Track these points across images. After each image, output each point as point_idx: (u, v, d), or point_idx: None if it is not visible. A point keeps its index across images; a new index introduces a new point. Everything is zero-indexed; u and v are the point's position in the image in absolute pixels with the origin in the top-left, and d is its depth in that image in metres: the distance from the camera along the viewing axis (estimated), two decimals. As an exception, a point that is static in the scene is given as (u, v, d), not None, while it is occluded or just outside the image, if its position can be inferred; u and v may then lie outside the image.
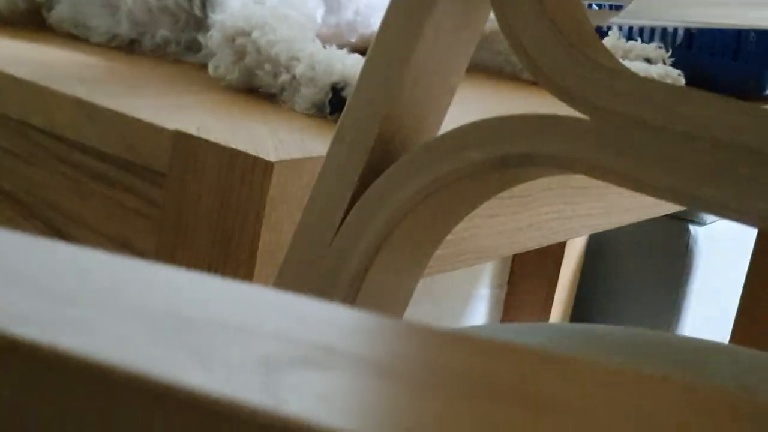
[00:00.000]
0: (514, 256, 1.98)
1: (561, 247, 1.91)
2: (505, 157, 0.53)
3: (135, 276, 0.29)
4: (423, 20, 0.56)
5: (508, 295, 2.01)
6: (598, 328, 0.71)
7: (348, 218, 0.57)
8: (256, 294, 0.29)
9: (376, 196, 0.56)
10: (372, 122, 0.57)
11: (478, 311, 1.99)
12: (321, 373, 0.24)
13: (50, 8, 1.05)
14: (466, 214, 0.59)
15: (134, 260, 0.30)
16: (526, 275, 1.97)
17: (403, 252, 0.58)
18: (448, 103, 0.60)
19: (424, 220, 0.57)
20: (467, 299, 1.97)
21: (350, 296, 0.57)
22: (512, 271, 2.00)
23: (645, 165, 0.50)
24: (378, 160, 0.57)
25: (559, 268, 1.92)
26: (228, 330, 0.26)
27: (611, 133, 0.51)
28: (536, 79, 0.54)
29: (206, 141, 0.73)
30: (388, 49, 0.57)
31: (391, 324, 0.28)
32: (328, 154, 0.58)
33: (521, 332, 0.74)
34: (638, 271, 2.09)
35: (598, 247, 2.09)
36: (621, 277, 2.10)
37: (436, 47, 0.57)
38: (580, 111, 0.52)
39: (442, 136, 0.54)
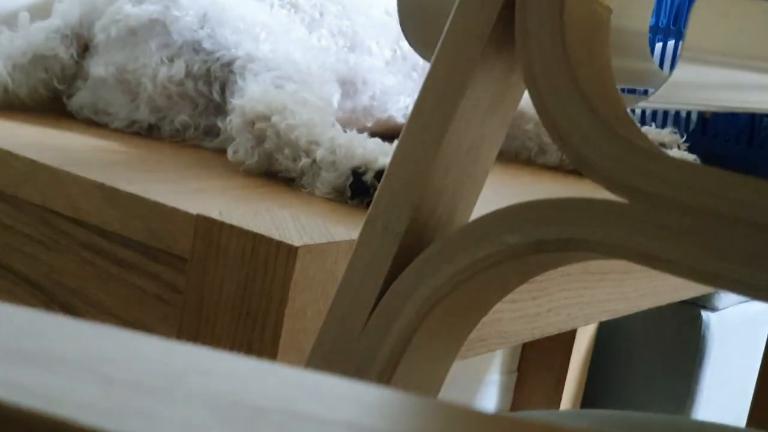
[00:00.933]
0: (525, 342, 1.96)
1: (571, 333, 1.89)
2: (541, 242, 0.52)
3: (195, 362, 0.28)
4: (456, 103, 0.56)
5: (518, 381, 1.99)
6: (635, 415, 0.70)
7: (380, 304, 0.56)
8: (321, 382, 0.28)
9: (410, 282, 0.55)
10: (405, 207, 0.56)
11: (488, 397, 1.97)
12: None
13: (70, 95, 1.05)
14: (500, 300, 0.59)
15: (191, 346, 0.29)
16: (536, 361, 1.96)
17: (436, 339, 0.57)
18: (481, 188, 0.60)
19: (458, 306, 0.56)
20: (478, 385, 1.95)
21: (382, 384, 0.56)
22: (522, 357, 1.99)
23: (685, 249, 0.50)
24: (411, 246, 0.56)
25: (570, 354, 1.91)
26: (303, 419, 0.25)
27: (650, 217, 0.50)
28: (571, 161, 0.53)
29: (229, 225, 0.73)
30: (421, 131, 0.56)
31: (473, 416, 0.27)
32: (359, 239, 0.57)
33: (561, 418, 0.73)
34: (650, 357, 2.07)
35: (608, 333, 2.07)
36: (632, 363, 2.08)
37: (468, 130, 0.57)
38: (618, 194, 0.52)
39: (477, 220, 0.54)
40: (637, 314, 1.89)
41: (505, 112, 0.59)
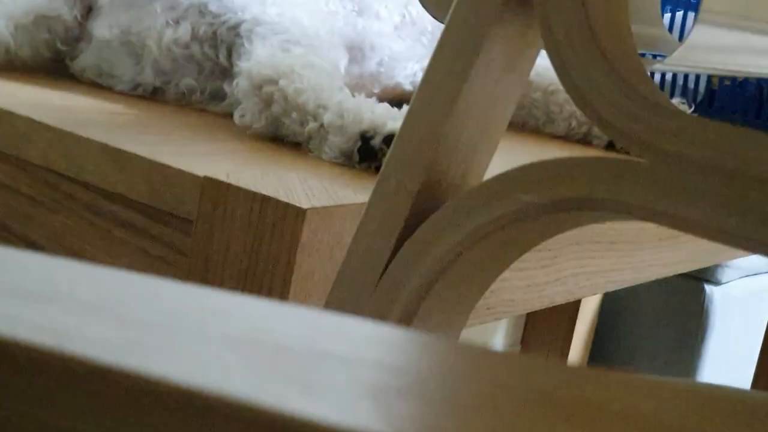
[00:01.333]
0: (528, 314, 1.96)
1: (575, 305, 1.89)
2: (557, 201, 0.51)
3: (212, 304, 0.28)
4: (470, 63, 0.55)
5: (523, 352, 1.99)
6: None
7: (393, 263, 0.55)
8: (342, 322, 0.27)
9: (423, 241, 0.54)
10: (418, 166, 0.55)
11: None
12: (431, 406, 0.22)
13: (74, 57, 1.04)
14: (514, 260, 0.58)
15: (209, 289, 0.28)
16: (540, 334, 1.95)
17: (449, 298, 0.56)
18: (495, 148, 0.59)
19: (471, 267, 0.55)
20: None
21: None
22: (526, 329, 1.98)
23: (703, 208, 0.49)
24: (424, 205, 0.55)
25: (574, 327, 1.90)
26: (326, 358, 0.24)
27: (668, 176, 0.49)
28: (589, 117, 0.52)
29: (236, 187, 0.72)
30: (434, 91, 0.55)
31: (491, 355, 0.26)
32: (372, 198, 0.56)
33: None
34: (653, 330, 2.07)
35: (612, 305, 2.07)
36: (636, 336, 2.08)
37: (483, 90, 0.56)
38: (636, 153, 0.51)
39: (493, 178, 0.53)
40: (640, 287, 1.89)
41: (521, 72, 0.58)
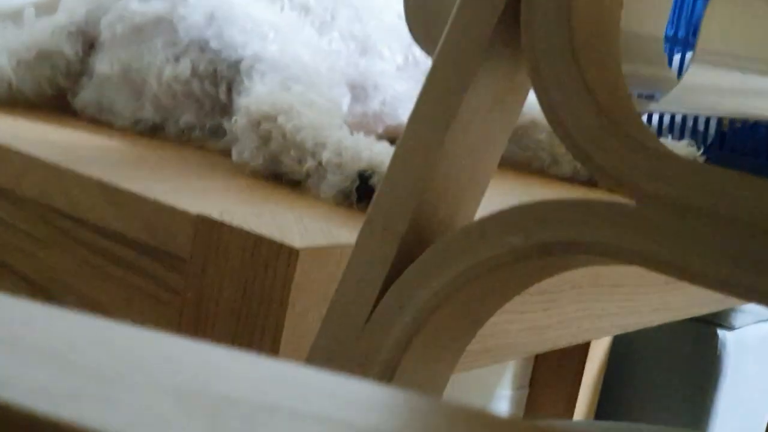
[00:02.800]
0: (537, 357, 1.94)
1: (584, 348, 1.87)
2: (547, 244, 0.50)
3: (164, 351, 0.27)
4: (458, 100, 0.54)
5: (530, 396, 1.97)
6: (650, 429, 0.68)
7: (380, 304, 0.54)
8: (297, 373, 0.26)
9: (411, 282, 0.53)
10: (406, 205, 0.54)
11: (499, 413, 1.95)
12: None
13: (75, 93, 1.03)
14: (504, 303, 0.57)
15: (162, 335, 0.27)
16: (549, 377, 1.93)
17: (437, 341, 0.55)
18: (484, 189, 0.58)
19: (461, 308, 0.54)
20: (489, 400, 1.93)
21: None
22: (534, 373, 1.96)
23: (693, 253, 0.48)
24: (412, 246, 0.54)
25: (583, 370, 1.88)
26: (270, 411, 0.23)
27: (658, 219, 0.48)
28: (576, 158, 0.51)
29: (230, 226, 0.71)
30: (422, 129, 0.55)
31: (443, 407, 0.25)
32: (359, 239, 0.56)
33: (570, 427, 0.70)
34: (665, 375, 2.04)
35: (622, 349, 2.05)
36: (647, 381, 2.06)
37: (471, 129, 0.55)
38: (625, 195, 0.50)
39: (482, 220, 0.52)
40: (652, 331, 1.87)
41: (510, 112, 0.58)
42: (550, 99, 0.51)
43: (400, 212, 0.54)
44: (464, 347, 0.58)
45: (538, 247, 0.50)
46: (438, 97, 0.54)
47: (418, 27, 0.64)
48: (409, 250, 0.54)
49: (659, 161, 0.49)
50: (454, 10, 0.53)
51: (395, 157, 0.55)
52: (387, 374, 0.54)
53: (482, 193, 0.58)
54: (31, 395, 0.22)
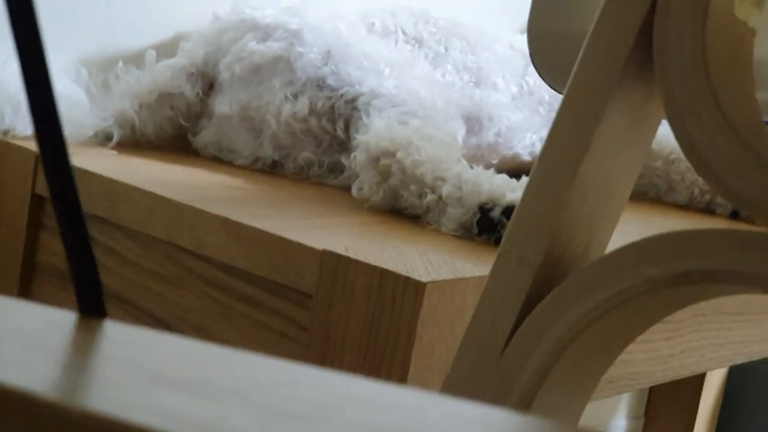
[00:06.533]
0: (652, 387, 1.92)
1: (700, 377, 1.84)
2: (682, 274, 0.50)
3: (352, 392, 0.27)
4: (592, 131, 0.54)
5: (645, 426, 1.94)
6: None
7: (515, 337, 0.54)
8: (487, 415, 0.26)
9: (546, 314, 0.53)
10: (539, 239, 0.54)
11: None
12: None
13: (196, 133, 1.05)
14: (639, 335, 0.56)
15: (346, 376, 0.28)
16: (664, 406, 1.90)
17: (573, 373, 0.55)
18: (617, 220, 0.58)
19: (597, 340, 0.54)
20: (604, 430, 1.91)
21: (516, 420, 0.54)
22: (649, 402, 1.93)
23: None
24: (546, 278, 0.54)
25: (699, 399, 1.85)
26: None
27: (801, 247, 0.48)
28: (713, 188, 0.51)
29: (355, 261, 0.71)
30: (556, 160, 0.55)
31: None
32: (493, 270, 0.56)
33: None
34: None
35: (740, 376, 2.01)
36: (764, 411, 2.02)
37: (604, 161, 0.55)
38: (763, 223, 0.49)
39: (616, 251, 0.52)
40: (769, 359, 1.83)
41: (642, 142, 0.57)
42: (685, 126, 0.50)
43: (534, 243, 0.54)
44: (599, 378, 0.58)
45: (676, 278, 0.50)
46: (571, 128, 0.54)
47: (543, 60, 0.64)
48: (544, 281, 0.54)
49: (801, 188, 0.48)
50: (586, 41, 0.53)
51: (528, 188, 0.55)
52: (523, 407, 0.54)
53: (615, 224, 0.58)
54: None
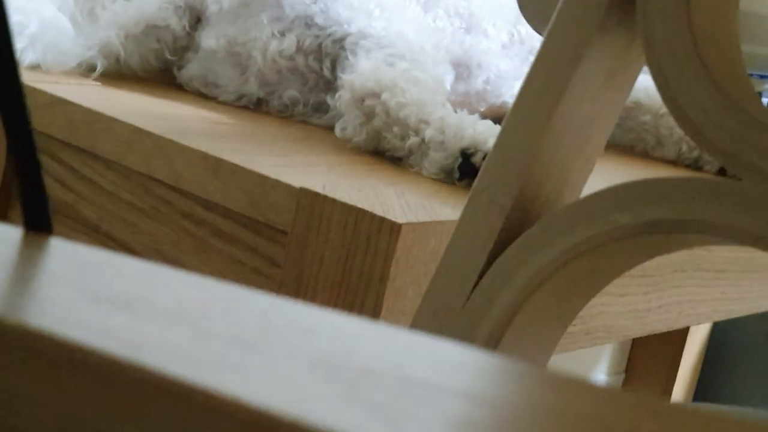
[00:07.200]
0: (633, 343, 1.92)
1: (682, 334, 1.84)
2: (654, 222, 0.49)
3: (299, 319, 0.26)
4: (568, 76, 0.53)
5: (626, 382, 1.95)
6: (754, 413, 0.66)
7: (482, 281, 0.54)
8: (432, 346, 0.26)
9: (515, 258, 0.53)
10: (511, 182, 0.54)
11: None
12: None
13: (181, 67, 1.04)
14: (607, 283, 0.56)
15: (295, 303, 0.27)
16: (645, 363, 1.91)
17: (540, 319, 0.54)
18: (592, 167, 0.57)
19: (564, 287, 0.54)
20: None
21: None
22: (630, 359, 1.94)
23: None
24: (516, 222, 0.54)
25: (680, 357, 1.85)
26: (412, 385, 0.22)
27: (772, 200, 0.47)
28: (690, 136, 0.50)
29: (332, 199, 0.71)
30: (532, 104, 0.54)
31: (589, 389, 0.24)
32: (464, 213, 0.55)
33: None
34: (764, 364, 2.01)
35: (722, 336, 2.01)
36: (747, 368, 2.02)
37: (581, 106, 0.54)
38: (738, 172, 0.48)
39: (588, 197, 0.51)
40: (753, 318, 1.83)
41: (620, 90, 0.57)
42: (665, 74, 0.50)
43: (506, 186, 0.54)
44: (566, 326, 0.58)
45: (647, 225, 0.49)
46: (548, 72, 0.53)
47: (528, 3, 0.64)
48: (514, 225, 0.54)
49: (775, 140, 0.47)
50: (567, -17, 0.53)
51: (503, 131, 0.55)
52: (488, 350, 0.54)
53: (589, 171, 0.57)
54: (169, 360, 0.22)
